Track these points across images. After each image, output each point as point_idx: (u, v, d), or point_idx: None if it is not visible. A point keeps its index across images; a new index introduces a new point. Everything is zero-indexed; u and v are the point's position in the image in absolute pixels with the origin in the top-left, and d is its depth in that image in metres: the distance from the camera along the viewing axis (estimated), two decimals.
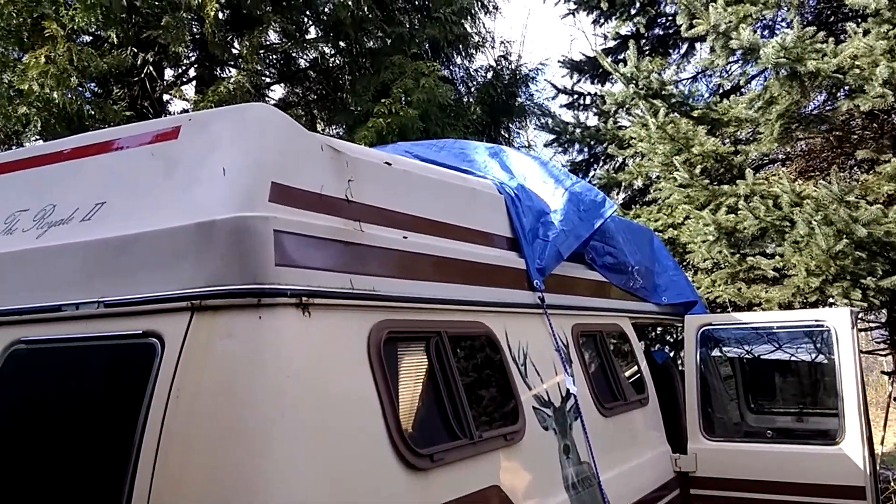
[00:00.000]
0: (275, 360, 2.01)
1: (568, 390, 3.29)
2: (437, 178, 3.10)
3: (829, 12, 8.21)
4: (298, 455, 1.94)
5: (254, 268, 2.06)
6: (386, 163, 2.77)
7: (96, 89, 7.56)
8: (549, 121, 9.83)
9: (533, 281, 3.40)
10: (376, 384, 2.22)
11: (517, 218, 3.53)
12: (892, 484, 7.16)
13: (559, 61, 10.04)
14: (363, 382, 2.21)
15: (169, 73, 8.24)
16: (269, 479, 1.87)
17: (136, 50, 7.09)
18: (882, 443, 7.85)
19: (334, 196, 2.42)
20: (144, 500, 1.90)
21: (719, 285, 6.85)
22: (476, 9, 9.49)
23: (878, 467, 3.90)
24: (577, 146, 9.66)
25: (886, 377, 8.45)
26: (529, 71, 10.16)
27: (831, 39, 6.46)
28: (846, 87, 6.56)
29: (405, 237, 2.66)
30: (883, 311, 7.11)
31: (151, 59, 7.11)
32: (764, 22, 8.49)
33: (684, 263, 7.40)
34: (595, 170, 9.75)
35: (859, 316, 4.16)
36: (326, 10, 8.02)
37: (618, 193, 9.32)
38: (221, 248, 2.08)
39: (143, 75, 7.13)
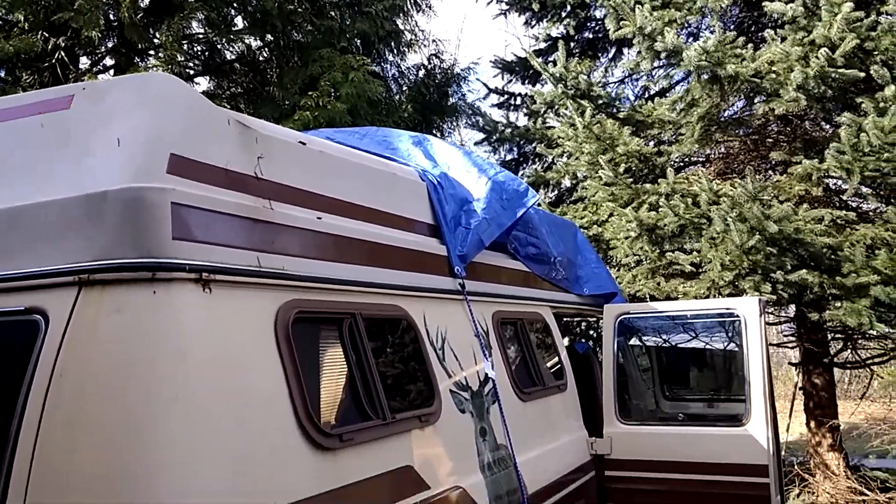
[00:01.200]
0: (170, 337, 1.92)
1: (486, 375, 3.31)
2: (356, 161, 3.06)
3: (749, 22, 8.60)
4: (196, 440, 1.85)
5: (148, 241, 1.96)
6: (300, 142, 2.71)
7: (2, 75, 7.15)
8: (480, 120, 9.92)
9: (454, 267, 3.39)
10: (283, 364, 2.16)
11: (439, 205, 3.52)
12: (794, 467, 7.55)
13: (491, 61, 10.16)
14: (269, 362, 2.14)
15: (84, 61, 7.87)
16: (163, 467, 1.78)
17: (46, 34, 6.74)
18: (787, 430, 8.26)
19: (242, 172, 2.35)
20: (21, 494, 1.78)
21: (640, 280, 7.06)
22: (409, 6, 9.49)
23: (781, 451, 4.08)
24: (506, 145, 9.79)
25: (793, 367, 8.89)
26: (462, 70, 10.24)
27: (750, 46, 6.77)
28: (763, 93, 6.89)
29: (319, 217, 2.61)
30: (791, 306, 7.48)
31: (63, 45, 6.77)
32: (688, 28, 8.83)
33: (607, 259, 7.60)
34: (524, 168, 9.90)
35: (767, 307, 4.35)
36: (253, 0, 7.84)
37: (546, 192, 9.48)
38: (114, 220, 1.98)
39: (54, 61, 6.78)
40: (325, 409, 2.32)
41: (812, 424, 7.73)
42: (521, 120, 10.12)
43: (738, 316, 4.11)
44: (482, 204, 3.76)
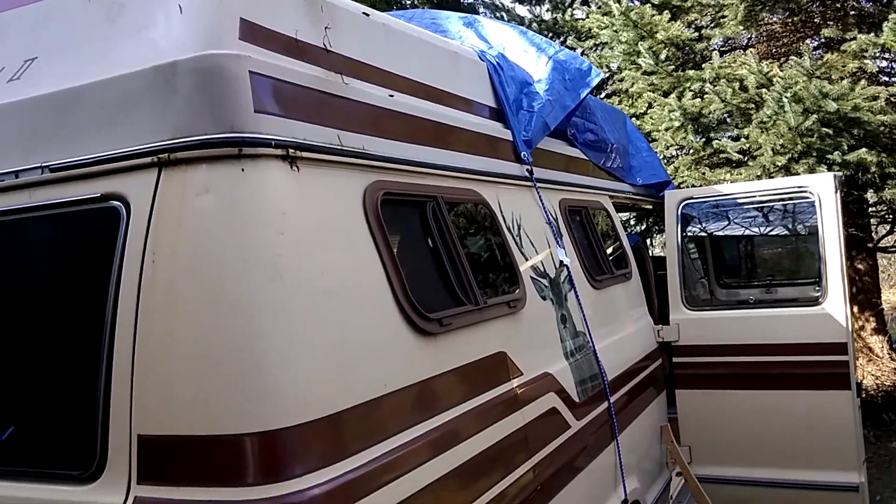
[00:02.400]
0: (265, 218, 1.76)
1: (561, 262, 3.18)
2: (419, 37, 2.81)
3: None
4: (299, 322, 1.73)
5: (230, 114, 1.77)
6: (364, 13, 2.46)
7: None
8: (504, 15, 9.40)
9: (520, 153, 3.20)
10: (377, 246, 2.02)
11: (501, 87, 3.28)
12: None
13: None
14: (363, 244, 2.00)
15: None
16: (266, 350, 1.66)
17: None
18: None
19: (311, 43, 2.13)
20: (127, 377, 1.68)
21: (682, 171, 6.81)
22: None
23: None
24: None
25: None
26: None
27: None
28: None
29: (391, 95, 2.40)
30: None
31: None
32: None
33: None
34: None
35: (842, 181, 4.13)
36: None
37: None
38: (188, 93, 1.78)
39: None
40: (421, 294, 2.19)
41: (855, 309, 7.66)
42: (546, 15, 9.57)
43: (811, 193, 3.92)
44: (544, 85, 3.51)
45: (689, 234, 4.81)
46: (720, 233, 5.10)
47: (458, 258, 2.36)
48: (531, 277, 2.87)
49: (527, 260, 2.88)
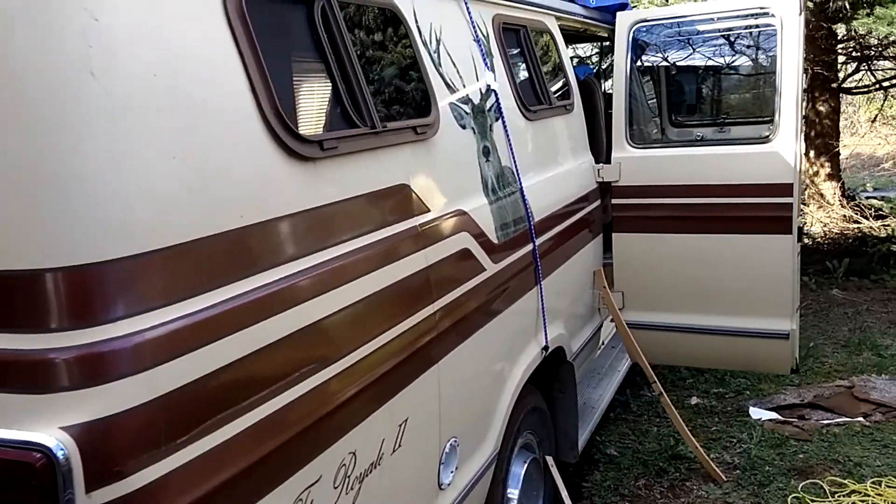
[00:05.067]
0: (86, 6, 1.33)
1: (488, 86, 2.79)
2: None
3: None
4: (118, 132, 1.34)
5: None
6: None
7: None
8: None
9: None
10: (238, 47, 1.60)
11: None
12: None
13: None
14: (219, 43, 1.58)
15: None
16: (75, 167, 1.29)
17: None
18: None
19: None
20: None
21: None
22: None
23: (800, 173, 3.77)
24: None
25: None
26: None
27: None
28: None
29: None
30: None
31: None
32: None
33: None
34: None
35: (807, 4, 3.73)
36: None
37: None
38: None
39: None
40: (300, 113, 1.82)
41: (812, 154, 7.50)
42: None
43: (772, 15, 3.51)
44: None
45: (643, 64, 4.41)
46: (678, 64, 4.69)
47: (351, 72, 1.96)
48: (449, 102, 2.49)
49: (445, 81, 2.49)
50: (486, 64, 2.81)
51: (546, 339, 3.05)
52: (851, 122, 13.86)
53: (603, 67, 6.51)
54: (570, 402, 3.45)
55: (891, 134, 12.18)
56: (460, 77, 2.60)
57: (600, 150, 4.40)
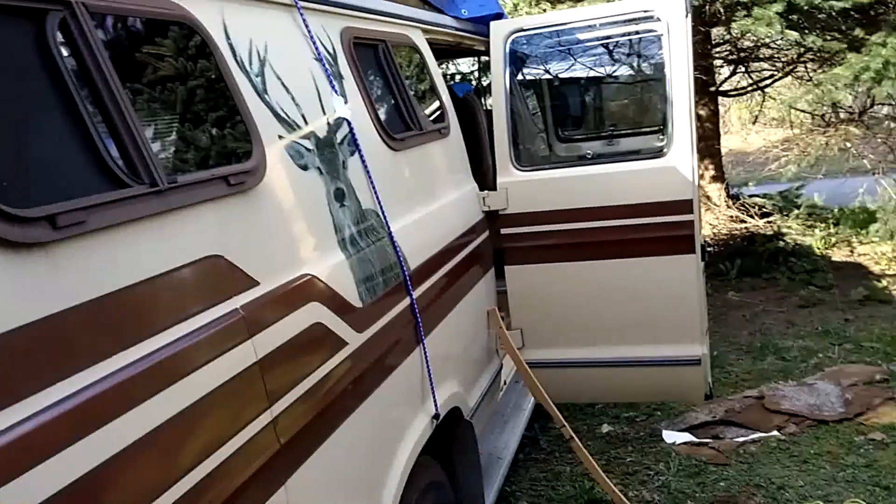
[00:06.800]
0: None
1: (339, 116, 2.29)
2: None
3: None
4: None
5: None
6: None
7: None
8: None
9: None
10: None
11: None
12: None
13: None
14: None
15: None
16: None
17: None
18: None
19: None
20: None
21: (522, 7, 5.98)
22: None
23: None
24: None
25: None
26: None
27: None
28: None
29: None
30: None
31: None
32: None
33: None
34: None
35: (693, 5, 3.48)
36: None
37: None
38: None
39: None
40: (18, 171, 1.25)
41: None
42: None
43: (657, 19, 3.23)
44: None
45: (525, 77, 4.05)
46: (561, 76, 4.38)
47: (114, 110, 1.40)
48: (281, 139, 1.97)
49: (273, 113, 1.97)
50: (333, 88, 2.31)
51: (436, 405, 2.58)
52: (723, 121, 14.58)
53: (485, 84, 6.19)
54: (473, 462, 3.04)
55: (760, 130, 12.76)
56: (296, 106, 2.08)
57: (487, 174, 4.01)
